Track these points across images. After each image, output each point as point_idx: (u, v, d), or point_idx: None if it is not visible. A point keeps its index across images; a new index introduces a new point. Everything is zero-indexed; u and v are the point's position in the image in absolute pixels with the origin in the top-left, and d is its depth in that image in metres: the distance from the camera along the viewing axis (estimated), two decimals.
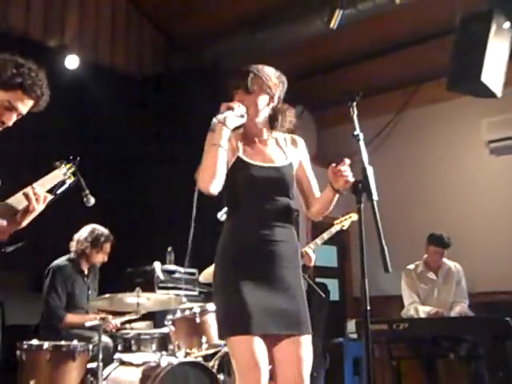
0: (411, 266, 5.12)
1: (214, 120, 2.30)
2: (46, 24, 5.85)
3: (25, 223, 2.24)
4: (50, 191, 2.32)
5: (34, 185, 2.21)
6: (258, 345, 2.23)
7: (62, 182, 2.40)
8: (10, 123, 2.20)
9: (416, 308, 4.89)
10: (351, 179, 2.26)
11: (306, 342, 2.34)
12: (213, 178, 2.28)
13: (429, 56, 6.11)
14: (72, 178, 2.45)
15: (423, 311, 4.81)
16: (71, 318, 4.20)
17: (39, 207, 2.21)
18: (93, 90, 5.62)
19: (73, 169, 2.46)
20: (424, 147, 6.96)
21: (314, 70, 6.97)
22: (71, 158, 2.48)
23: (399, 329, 4.24)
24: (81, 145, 5.40)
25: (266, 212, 2.39)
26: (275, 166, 2.44)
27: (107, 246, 4.40)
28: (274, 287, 2.33)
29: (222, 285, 2.35)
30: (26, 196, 2.17)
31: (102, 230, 4.39)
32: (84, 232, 4.38)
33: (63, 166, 2.42)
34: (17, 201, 2.19)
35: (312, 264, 4.25)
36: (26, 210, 2.20)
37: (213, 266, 3.74)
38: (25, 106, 2.20)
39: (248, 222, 2.38)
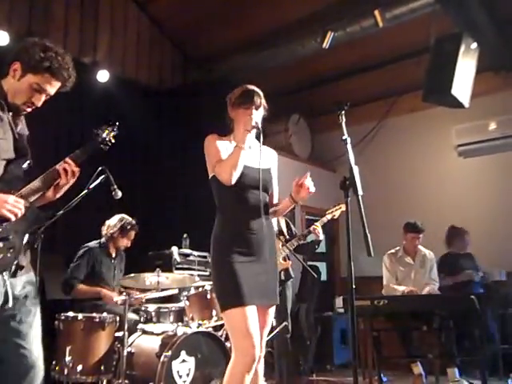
0: (392, 251, 5.11)
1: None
2: (81, 43, 5.84)
3: (58, 195, 2.18)
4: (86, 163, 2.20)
5: (67, 159, 2.12)
6: (252, 314, 2.31)
7: (100, 150, 2.26)
8: (39, 104, 2.09)
9: (393, 287, 4.90)
10: (312, 189, 2.48)
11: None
12: (234, 172, 2.37)
13: (407, 71, 6.08)
14: (110, 143, 2.29)
15: (399, 290, 4.82)
16: (81, 287, 4.14)
17: (70, 181, 2.13)
18: (120, 99, 5.62)
19: (113, 133, 2.31)
20: (403, 150, 6.97)
21: (310, 83, 6.95)
22: (110, 122, 2.32)
23: (380, 305, 4.23)
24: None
25: (257, 207, 2.46)
26: (262, 168, 2.49)
27: (132, 234, 4.40)
28: (261, 267, 2.43)
29: (219, 265, 2.41)
30: (57, 172, 2.09)
31: (129, 219, 4.39)
32: (114, 219, 4.39)
33: (101, 132, 2.28)
34: (47, 177, 2.10)
35: (322, 237, 4.30)
36: (58, 184, 2.12)
37: None
38: (53, 87, 2.09)
39: (240, 213, 2.46)
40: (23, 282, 2.09)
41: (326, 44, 5.36)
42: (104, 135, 2.28)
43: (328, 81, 6.83)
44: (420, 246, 5.07)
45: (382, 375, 4.31)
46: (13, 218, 1.94)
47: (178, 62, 6.88)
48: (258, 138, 2.49)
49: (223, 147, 2.51)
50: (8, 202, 1.92)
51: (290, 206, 2.60)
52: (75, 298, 4.13)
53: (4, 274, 1.98)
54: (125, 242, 4.40)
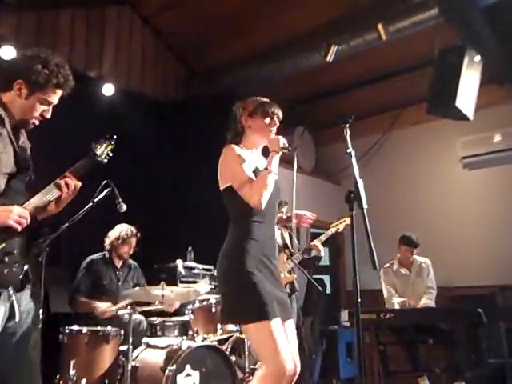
0: (387, 265, 5.12)
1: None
2: (87, 57, 5.90)
3: (60, 209, 2.17)
4: (87, 175, 2.21)
5: (67, 173, 2.14)
6: (280, 327, 2.27)
7: (99, 163, 2.27)
8: (49, 116, 2.14)
9: (391, 300, 4.89)
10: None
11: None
12: (265, 199, 2.34)
13: (411, 84, 6.09)
14: (107, 157, 2.31)
15: (396, 302, 4.81)
16: (83, 301, 4.16)
17: (71, 195, 2.14)
18: (125, 113, 5.65)
19: (110, 147, 2.32)
20: (407, 163, 6.97)
21: (314, 96, 6.99)
22: (107, 136, 2.34)
23: (386, 318, 4.22)
24: (114, 158, 5.42)
25: (273, 219, 2.50)
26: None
27: (132, 240, 4.41)
28: (276, 279, 2.43)
29: (240, 278, 2.31)
30: (58, 186, 2.10)
31: (127, 227, 4.41)
32: (114, 229, 4.43)
33: (99, 146, 2.29)
34: (48, 191, 2.10)
35: (323, 254, 4.28)
36: (59, 198, 2.12)
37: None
38: (57, 96, 2.14)
39: (265, 227, 2.44)
40: (28, 297, 2.10)
41: (329, 57, 5.40)
42: (102, 149, 2.29)
43: (332, 93, 6.87)
44: (415, 256, 5.08)
45: None
46: (19, 229, 1.95)
47: (183, 75, 6.93)
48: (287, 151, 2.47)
49: (246, 161, 2.43)
50: (13, 213, 1.93)
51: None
52: (79, 311, 4.13)
53: (10, 288, 1.98)
54: (126, 249, 4.40)
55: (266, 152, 2.55)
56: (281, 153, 2.44)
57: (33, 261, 2.14)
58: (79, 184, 2.15)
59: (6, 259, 1.96)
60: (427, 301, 4.85)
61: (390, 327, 4.42)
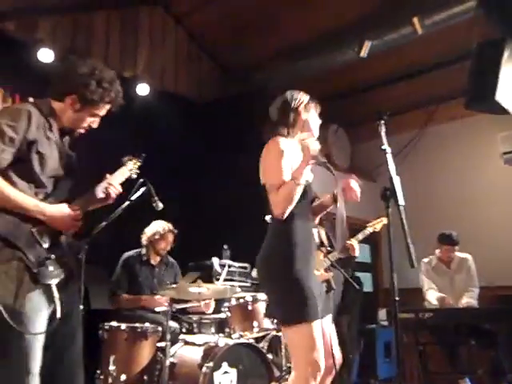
0: (425, 260, 5.05)
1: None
2: (121, 58, 6.03)
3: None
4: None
5: (109, 180, 2.30)
6: (319, 328, 2.29)
7: (128, 177, 2.46)
8: (96, 126, 2.31)
9: (429, 293, 4.82)
10: (357, 198, 2.65)
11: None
12: (288, 209, 2.33)
13: (448, 78, 6.01)
14: (135, 173, 2.50)
15: (435, 298, 4.74)
16: (125, 297, 4.28)
17: (111, 200, 2.31)
18: (159, 112, 5.75)
19: (138, 164, 2.50)
20: (445, 159, 6.86)
21: (347, 93, 6.95)
22: (136, 154, 2.52)
23: (425, 317, 4.17)
24: (150, 157, 5.52)
25: (311, 217, 2.54)
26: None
27: (169, 236, 4.50)
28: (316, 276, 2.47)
29: (288, 278, 2.30)
30: (106, 191, 2.26)
31: (164, 223, 4.50)
32: (151, 226, 4.52)
33: (129, 162, 2.47)
34: (94, 193, 2.28)
35: (357, 254, 4.26)
36: (105, 199, 2.29)
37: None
38: (106, 109, 2.30)
39: (306, 224, 2.46)
40: (72, 294, 2.22)
41: (363, 53, 5.37)
42: (131, 165, 2.47)
43: (367, 90, 6.82)
44: (457, 253, 4.98)
45: None
46: (72, 231, 2.13)
47: (216, 74, 7.00)
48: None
49: (288, 159, 2.40)
50: (69, 217, 2.10)
51: (328, 205, 2.65)
52: (120, 308, 4.24)
53: (53, 286, 2.07)
54: (163, 245, 4.49)
55: None
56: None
57: (75, 259, 2.25)
58: (120, 190, 2.33)
59: (52, 257, 2.08)
60: (469, 299, 4.76)
61: (430, 327, 4.36)
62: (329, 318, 2.47)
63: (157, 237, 4.47)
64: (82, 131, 2.31)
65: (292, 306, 2.28)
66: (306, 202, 2.45)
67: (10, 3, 5.12)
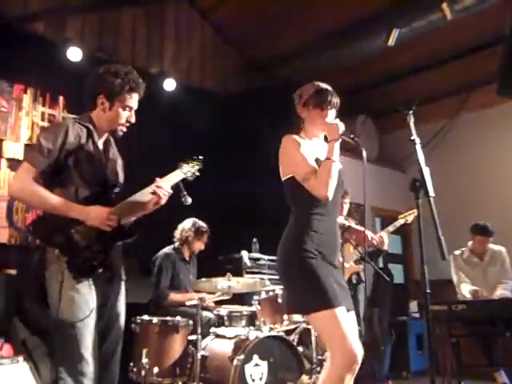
0: (457, 252, 4.95)
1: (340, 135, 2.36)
2: (148, 54, 6.09)
3: (149, 212, 2.44)
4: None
5: (158, 183, 2.36)
6: (345, 315, 2.26)
7: (183, 180, 2.49)
8: (133, 119, 2.40)
9: (460, 285, 4.74)
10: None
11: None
12: (331, 188, 2.31)
13: (479, 65, 5.87)
14: (194, 176, 2.53)
15: (467, 291, 4.66)
16: (174, 296, 4.35)
17: (163, 201, 2.38)
18: (186, 107, 5.79)
19: (197, 167, 2.55)
20: (476, 148, 6.71)
21: (375, 83, 6.86)
22: (195, 157, 2.57)
23: (458, 309, 4.11)
24: (177, 150, 5.56)
25: (335, 213, 2.49)
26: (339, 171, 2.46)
27: (205, 237, 4.55)
28: (338, 270, 2.44)
29: (303, 267, 2.31)
30: (154, 192, 2.34)
31: (201, 222, 4.54)
32: (187, 223, 4.54)
33: (184, 165, 2.52)
34: (142, 195, 2.35)
35: (386, 247, 4.21)
36: (155, 203, 2.38)
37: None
38: (135, 100, 2.38)
39: (327, 220, 2.41)
40: (116, 289, 2.36)
41: (391, 41, 5.29)
42: (188, 168, 2.51)
43: (395, 79, 6.72)
44: (490, 245, 4.87)
45: None
46: (108, 229, 2.21)
47: (242, 67, 6.99)
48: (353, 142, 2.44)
49: (307, 151, 2.41)
50: (104, 216, 2.19)
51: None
52: (172, 306, 4.28)
53: (90, 280, 2.20)
54: (199, 246, 4.55)
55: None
56: (340, 140, 2.39)
57: (115, 255, 2.36)
58: (171, 192, 2.39)
59: (88, 254, 2.21)
60: (503, 291, 4.67)
61: (463, 319, 4.29)
62: (352, 314, 2.40)
63: (195, 237, 4.51)
64: (124, 129, 2.40)
65: (308, 294, 2.28)
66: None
67: (40, 4, 5.22)
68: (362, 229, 4.07)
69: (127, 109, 2.36)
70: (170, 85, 5.84)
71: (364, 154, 2.41)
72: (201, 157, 2.58)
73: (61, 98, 5.16)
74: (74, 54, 5.03)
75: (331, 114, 2.46)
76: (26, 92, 5.02)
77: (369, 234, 3.79)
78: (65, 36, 5.29)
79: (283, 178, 2.48)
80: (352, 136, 2.40)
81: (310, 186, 2.34)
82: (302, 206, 2.42)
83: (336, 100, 2.48)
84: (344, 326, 2.21)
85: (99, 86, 2.33)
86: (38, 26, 5.21)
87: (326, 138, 2.49)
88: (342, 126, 2.39)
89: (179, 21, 6.47)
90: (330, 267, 2.36)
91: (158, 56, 6.16)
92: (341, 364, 2.20)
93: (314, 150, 2.47)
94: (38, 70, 4.89)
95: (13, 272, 4.28)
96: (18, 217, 4.73)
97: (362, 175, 2.58)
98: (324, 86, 2.51)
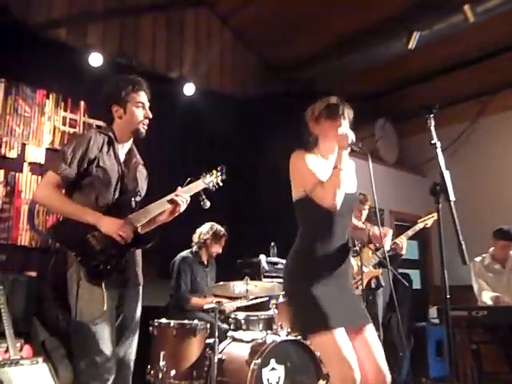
0: (478, 259, 4.84)
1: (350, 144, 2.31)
2: (168, 59, 6.12)
3: (168, 220, 2.51)
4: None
5: (178, 192, 2.43)
6: (343, 337, 2.20)
7: (206, 189, 2.56)
8: (150, 115, 2.49)
9: (482, 294, 4.64)
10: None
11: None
12: (339, 196, 2.25)
13: (502, 67, 5.78)
14: (217, 186, 2.60)
15: (489, 297, 4.56)
16: (195, 300, 4.34)
17: (182, 209, 2.45)
18: (206, 111, 5.81)
19: (220, 177, 2.62)
20: (498, 152, 6.61)
21: (395, 86, 6.80)
22: (218, 168, 2.63)
23: (478, 315, 4.03)
24: (196, 153, 5.61)
25: (346, 227, 2.42)
26: (351, 193, 2.43)
27: (223, 240, 4.55)
28: (343, 290, 2.36)
29: (300, 288, 2.29)
30: (171, 201, 2.40)
31: (219, 226, 4.55)
32: (205, 227, 4.55)
33: (208, 175, 2.59)
34: (161, 204, 2.42)
35: (404, 252, 4.16)
36: (172, 211, 2.44)
37: None
38: (144, 98, 2.49)
39: (334, 240, 2.35)
40: (132, 294, 2.41)
41: (411, 44, 5.24)
42: (211, 178, 2.59)
43: (415, 82, 6.65)
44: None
45: None
46: (119, 240, 2.27)
47: (261, 72, 7.00)
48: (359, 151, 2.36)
49: (315, 165, 2.36)
50: (117, 226, 2.27)
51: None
52: (193, 309, 4.29)
53: (103, 283, 2.24)
54: (217, 249, 4.54)
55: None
56: (349, 149, 2.34)
57: (132, 260, 2.41)
58: (188, 200, 2.46)
59: (103, 258, 2.26)
60: None
61: (484, 325, 4.21)
62: (370, 327, 2.34)
63: (213, 241, 4.52)
64: (145, 127, 2.48)
65: (305, 315, 2.27)
66: (336, 214, 2.33)
67: (62, 11, 5.30)
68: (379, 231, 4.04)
69: (140, 105, 2.46)
70: (189, 89, 5.87)
71: (370, 163, 2.34)
72: (224, 167, 2.64)
73: (82, 103, 5.22)
74: (95, 59, 5.09)
75: (344, 124, 2.40)
76: (48, 97, 5.09)
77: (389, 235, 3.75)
78: (86, 42, 5.35)
79: (294, 199, 2.43)
80: (360, 146, 2.34)
81: (317, 196, 2.28)
82: (310, 226, 2.39)
83: (349, 111, 2.43)
84: (343, 348, 2.16)
85: (109, 98, 2.48)
86: (61, 32, 5.29)
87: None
88: (351, 136, 2.33)
89: (199, 25, 6.50)
90: (333, 288, 2.29)
91: (177, 61, 6.20)
92: None
93: (329, 169, 2.38)
94: (60, 75, 4.96)
95: (33, 274, 4.34)
96: (39, 220, 4.79)
97: (381, 179, 2.54)
98: (336, 98, 2.46)
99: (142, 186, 2.54)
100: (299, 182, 2.38)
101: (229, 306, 4.09)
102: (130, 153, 2.53)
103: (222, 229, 4.55)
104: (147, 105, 2.49)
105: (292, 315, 2.44)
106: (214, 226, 4.54)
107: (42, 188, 2.37)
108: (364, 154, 2.36)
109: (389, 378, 2.27)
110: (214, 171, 2.62)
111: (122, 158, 2.47)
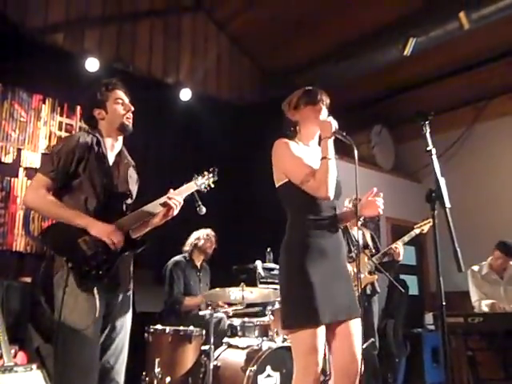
0: (475, 268, 4.81)
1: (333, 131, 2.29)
2: (165, 65, 6.12)
3: (161, 223, 2.43)
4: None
5: (170, 194, 2.36)
6: (322, 332, 2.20)
7: (197, 191, 2.50)
8: (132, 107, 2.46)
9: (479, 303, 4.62)
10: (381, 211, 2.38)
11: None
12: (332, 187, 2.24)
13: (497, 73, 5.80)
14: (208, 188, 2.55)
15: (485, 304, 4.55)
16: (188, 300, 4.34)
17: (175, 212, 2.37)
18: (202, 116, 5.81)
19: (212, 179, 2.57)
20: (494, 157, 6.62)
21: (391, 92, 6.81)
22: (210, 169, 2.58)
23: (474, 322, 4.02)
24: (192, 158, 5.60)
25: (334, 215, 2.38)
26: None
27: (212, 238, 4.59)
28: (336, 278, 2.30)
29: (290, 278, 2.26)
30: (164, 204, 2.34)
31: (209, 230, 4.59)
32: (196, 233, 4.60)
33: (200, 177, 2.54)
34: (153, 207, 2.35)
35: (401, 258, 4.15)
36: (165, 214, 2.37)
37: None
38: (123, 95, 2.47)
39: (325, 224, 2.32)
40: (122, 300, 2.32)
41: (407, 51, 5.24)
42: (203, 180, 2.53)
43: (411, 89, 6.66)
44: (510, 262, 4.75)
45: None
46: (111, 245, 2.21)
47: (258, 77, 7.01)
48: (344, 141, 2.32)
49: (299, 152, 2.35)
50: (108, 230, 2.20)
51: (350, 218, 2.53)
52: (186, 311, 4.29)
53: (95, 289, 2.16)
54: (208, 244, 4.58)
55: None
56: (333, 138, 2.31)
57: (123, 265, 2.33)
58: (182, 202, 2.39)
59: (94, 263, 2.20)
60: None
61: (480, 332, 4.19)
62: (357, 322, 2.31)
63: (202, 240, 4.56)
64: (130, 120, 2.45)
65: (295, 308, 2.22)
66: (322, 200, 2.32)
67: (60, 16, 5.29)
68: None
69: (119, 101, 2.44)
70: (185, 95, 5.86)
71: (356, 152, 2.28)
72: (216, 169, 2.59)
73: (78, 108, 5.20)
74: (92, 64, 5.08)
75: (324, 111, 2.40)
76: (44, 102, 5.08)
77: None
78: (83, 47, 5.35)
79: (277, 184, 2.42)
80: (344, 134, 2.31)
81: (309, 188, 2.27)
82: (297, 212, 2.36)
83: (326, 98, 2.44)
84: (318, 343, 2.16)
85: (89, 105, 2.46)
86: (58, 37, 5.28)
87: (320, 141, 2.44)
88: (334, 124, 2.31)
89: (196, 31, 6.51)
90: (327, 275, 2.25)
91: (174, 66, 6.20)
92: (302, 382, 2.21)
93: (312, 154, 2.40)
94: (57, 80, 4.95)
95: (28, 280, 4.31)
96: (35, 226, 4.77)
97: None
98: (311, 87, 2.48)
99: (133, 189, 2.49)
100: (284, 170, 2.36)
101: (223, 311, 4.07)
102: (120, 154, 2.47)
103: (210, 231, 4.60)
104: (126, 100, 2.46)
105: (281, 304, 2.34)
106: (202, 230, 4.59)
107: (32, 191, 2.29)
108: (349, 142, 2.31)
109: (361, 368, 2.26)
110: (206, 173, 2.57)
111: (111, 159, 2.41)
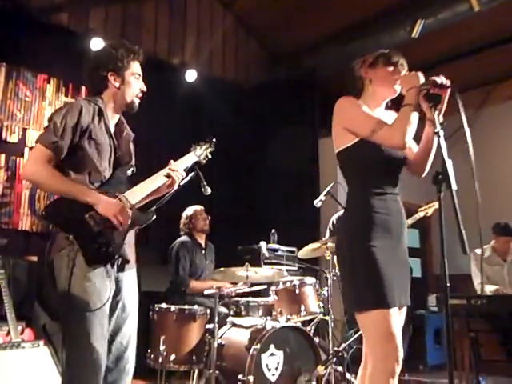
0: (478, 251, 4.80)
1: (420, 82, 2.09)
2: (170, 46, 6.08)
3: (161, 194, 2.36)
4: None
5: (172, 166, 2.30)
6: (396, 315, 2.06)
7: (197, 162, 2.44)
8: (145, 87, 2.32)
9: (482, 287, 4.62)
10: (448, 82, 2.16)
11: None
12: (409, 136, 2.07)
13: (506, 56, 5.72)
14: (207, 158, 2.49)
15: (489, 290, 4.55)
16: (195, 283, 4.36)
17: (177, 184, 2.31)
18: (208, 98, 5.78)
19: (209, 149, 2.51)
20: (502, 140, 6.57)
21: None
22: (207, 139, 2.52)
23: (477, 304, 4.02)
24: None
25: (395, 189, 2.20)
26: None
27: (202, 212, 4.59)
28: (401, 257, 2.16)
29: (359, 258, 2.07)
30: (168, 175, 2.27)
31: (193, 208, 4.59)
32: (183, 216, 4.63)
33: (198, 147, 2.48)
34: (157, 179, 2.27)
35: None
36: (168, 185, 2.30)
37: (312, 244, 3.72)
38: (140, 68, 2.32)
39: (388, 198, 2.15)
40: (128, 277, 2.25)
41: (415, 33, 5.17)
42: (201, 151, 2.47)
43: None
44: None
45: (480, 379, 4.10)
46: (119, 228, 2.08)
47: (264, 58, 6.94)
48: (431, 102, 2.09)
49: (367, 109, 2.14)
50: (117, 209, 2.07)
51: (430, 133, 2.18)
52: (193, 293, 4.29)
53: (107, 266, 2.10)
54: (202, 222, 4.57)
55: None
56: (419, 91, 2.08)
57: (127, 242, 2.25)
58: (184, 174, 2.33)
59: (103, 240, 2.09)
60: None
61: (483, 314, 4.20)
62: (404, 310, 2.19)
63: (193, 217, 4.57)
64: (138, 100, 2.31)
65: (359, 289, 2.05)
66: (385, 169, 2.14)
67: None
68: None
69: (138, 76, 2.29)
70: (191, 76, 5.83)
71: (461, 106, 2.08)
72: (213, 139, 2.53)
73: (83, 88, 5.18)
74: (97, 44, 5.03)
75: (400, 73, 2.22)
76: (49, 82, 5.06)
77: None
78: (88, 27, 5.30)
79: (338, 149, 2.19)
80: (428, 87, 2.07)
81: (380, 136, 2.05)
82: (360, 184, 2.15)
83: (404, 61, 2.26)
84: (394, 327, 2.01)
85: (106, 64, 2.23)
86: (62, 17, 5.24)
87: (387, 107, 2.29)
88: (422, 77, 2.11)
89: (202, 11, 6.44)
90: (395, 257, 2.11)
91: (179, 47, 6.15)
92: (384, 368, 2.01)
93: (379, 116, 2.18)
94: (62, 60, 4.92)
95: (34, 259, 4.34)
96: (40, 204, 4.79)
97: None
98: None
99: (133, 160, 2.35)
100: (349, 123, 2.14)
101: (228, 290, 4.08)
102: (118, 124, 2.32)
103: (197, 206, 4.59)
104: (140, 74, 2.32)
105: (345, 286, 2.15)
106: (190, 207, 4.59)
107: (31, 163, 2.08)
108: (453, 91, 2.12)
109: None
110: (204, 143, 2.50)
111: (111, 130, 2.26)
